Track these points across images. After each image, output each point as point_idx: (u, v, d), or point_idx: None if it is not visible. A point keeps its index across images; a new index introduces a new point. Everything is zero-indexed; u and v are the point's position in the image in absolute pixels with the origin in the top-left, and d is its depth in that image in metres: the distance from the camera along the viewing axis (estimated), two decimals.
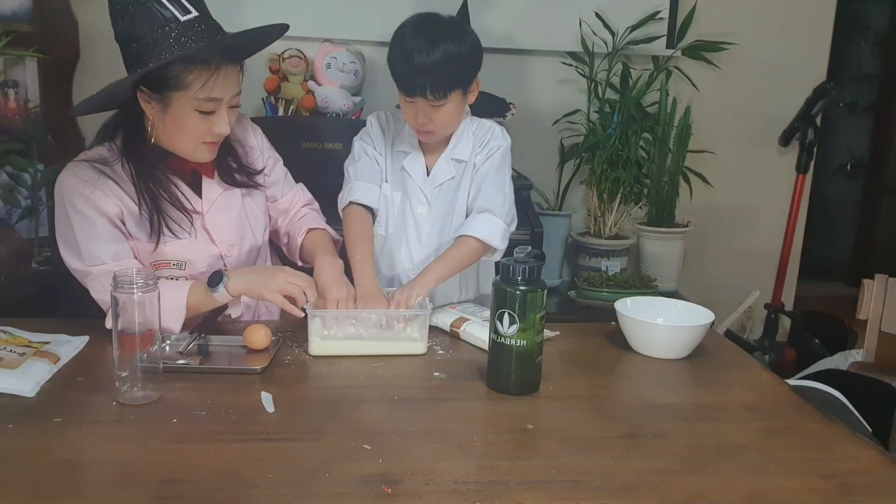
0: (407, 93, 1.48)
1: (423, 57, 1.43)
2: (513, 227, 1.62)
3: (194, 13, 1.32)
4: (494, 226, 1.56)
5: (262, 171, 1.60)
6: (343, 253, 1.59)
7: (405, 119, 1.56)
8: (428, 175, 1.63)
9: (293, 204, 1.67)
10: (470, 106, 1.62)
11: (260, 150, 1.61)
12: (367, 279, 1.49)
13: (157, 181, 1.42)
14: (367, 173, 1.62)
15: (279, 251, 1.74)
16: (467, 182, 1.62)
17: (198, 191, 1.49)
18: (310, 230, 1.63)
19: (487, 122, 1.65)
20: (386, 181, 1.65)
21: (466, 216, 1.62)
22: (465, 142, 1.62)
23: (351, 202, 1.60)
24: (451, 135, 1.61)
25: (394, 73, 1.50)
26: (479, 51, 1.51)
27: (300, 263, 1.64)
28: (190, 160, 1.45)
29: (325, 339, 1.36)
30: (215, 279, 1.37)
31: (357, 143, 1.66)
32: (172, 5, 1.31)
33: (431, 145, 1.61)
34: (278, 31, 1.45)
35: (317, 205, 1.72)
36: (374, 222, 1.64)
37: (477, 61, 1.51)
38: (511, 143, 1.66)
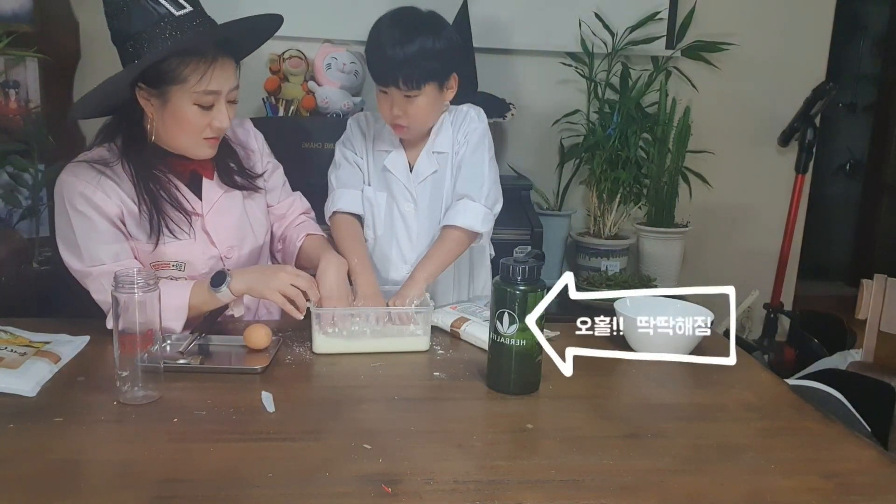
0: (381, 81, 1.48)
1: (396, 47, 1.43)
2: (497, 209, 1.60)
3: (188, 8, 1.33)
4: (474, 211, 1.54)
5: (262, 174, 1.60)
6: None
7: (381, 113, 1.56)
8: (411, 172, 1.62)
9: (290, 211, 1.67)
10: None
11: (260, 154, 1.61)
12: (368, 282, 1.49)
13: (157, 182, 1.42)
14: (349, 179, 1.63)
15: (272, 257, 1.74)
16: (451, 173, 1.61)
17: (198, 192, 1.49)
18: (308, 235, 1.63)
19: (463, 107, 1.63)
20: (369, 184, 1.64)
21: None
22: (444, 133, 1.61)
23: (335, 212, 1.60)
24: (431, 129, 1.60)
25: (369, 63, 1.50)
26: (455, 46, 1.50)
27: None
28: (191, 157, 1.45)
29: (329, 336, 1.37)
30: (218, 279, 1.38)
31: (338, 148, 1.66)
32: (167, 1, 1.31)
33: (412, 141, 1.60)
34: (272, 23, 1.45)
35: (313, 214, 1.72)
36: (362, 227, 1.64)
37: (453, 56, 1.51)
38: (487, 124, 1.63)
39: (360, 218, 1.63)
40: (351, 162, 1.64)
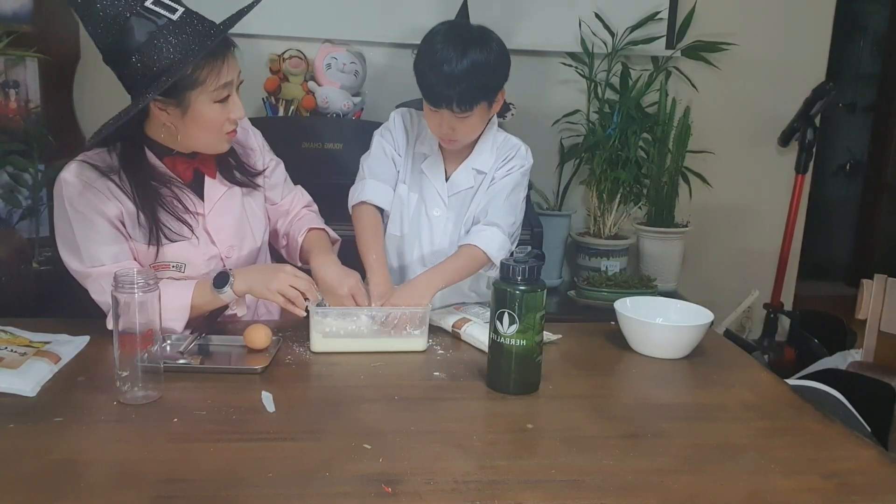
0: (433, 103, 1.48)
1: (451, 67, 1.42)
2: (513, 246, 1.63)
3: (181, 9, 1.31)
4: (500, 241, 1.56)
5: (262, 172, 1.60)
6: (342, 253, 1.60)
7: (429, 126, 1.56)
8: (447, 180, 1.63)
9: (293, 206, 1.68)
10: None
11: (261, 153, 1.61)
12: (383, 279, 1.50)
13: (155, 188, 1.42)
14: (382, 172, 1.62)
15: (276, 253, 1.73)
16: (483, 192, 1.62)
17: (199, 192, 1.49)
18: (309, 230, 1.63)
19: (514, 140, 1.65)
20: (403, 182, 1.64)
21: None
22: (487, 154, 1.61)
23: (362, 201, 1.59)
24: (475, 142, 1.60)
25: (420, 83, 1.49)
26: (506, 59, 1.51)
27: (300, 264, 1.63)
28: (211, 154, 1.45)
29: (327, 335, 1.37)
30: (222, 279, 1.37)
31: (376, 138, 1.65)
32: (160, 8, 1.29)
33: (452, 151, 1.61)
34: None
35: (315, 206, 1.72)
36: (385, 223, 1.64)
37: (504, 70, 1.51)
38: (532, 163, 1.65)
39: (382, 213, 1.63)
40: (388, 155, 1.63)
